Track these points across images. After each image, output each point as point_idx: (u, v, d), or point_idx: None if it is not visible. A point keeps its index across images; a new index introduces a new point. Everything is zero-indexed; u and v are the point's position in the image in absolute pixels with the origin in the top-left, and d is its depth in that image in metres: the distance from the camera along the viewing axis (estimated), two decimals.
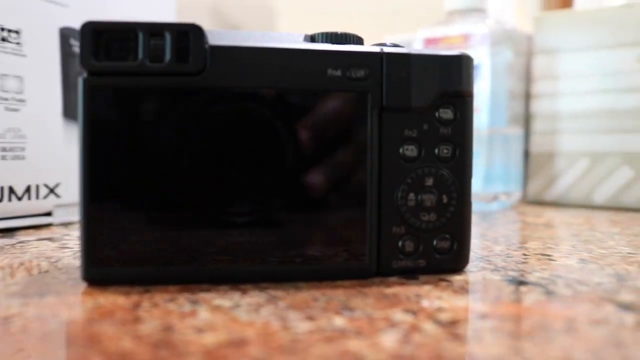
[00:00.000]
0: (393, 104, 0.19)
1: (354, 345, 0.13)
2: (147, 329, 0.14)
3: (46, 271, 0.20)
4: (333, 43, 0.19)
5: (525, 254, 0.24)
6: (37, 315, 0.15)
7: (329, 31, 0.20)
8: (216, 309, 0.16)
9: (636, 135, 0.42)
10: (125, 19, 0.18)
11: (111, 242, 0.18)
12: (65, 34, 0.33)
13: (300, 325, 0.14)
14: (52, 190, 0.32)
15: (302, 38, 0.20)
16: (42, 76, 0.32)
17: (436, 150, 0.20)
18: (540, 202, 0.46)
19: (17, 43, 0.30)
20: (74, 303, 0.16)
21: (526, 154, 0.47)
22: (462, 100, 0.20)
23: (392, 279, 0.19)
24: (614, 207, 0.43)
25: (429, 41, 0.43)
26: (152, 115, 0.18)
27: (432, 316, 0.15)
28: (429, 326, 0.15)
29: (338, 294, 0.17)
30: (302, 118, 0.19)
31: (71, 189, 0.33)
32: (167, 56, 0.17)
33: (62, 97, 0.33)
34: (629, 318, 0.15)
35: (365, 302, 0.17)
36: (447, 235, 0.20)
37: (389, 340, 0.13)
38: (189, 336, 0.14)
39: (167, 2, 0.40)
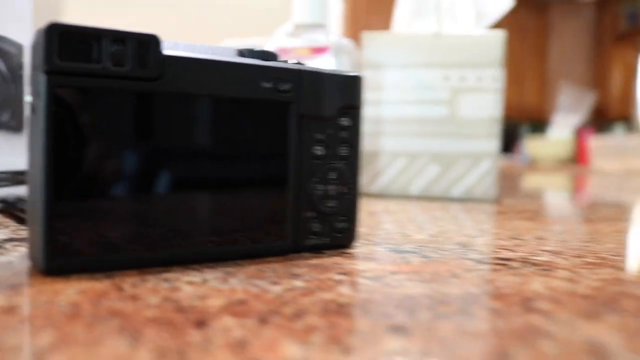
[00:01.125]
0: (309, 112, 0.24)
1: (327, 296, 0.17)
2: (155, 302, 0.16)
3: None
4: (258, 58, 0.23)
5: (388, 233, 0.31)
6: (34, 302, 0.16)
7: (256, 48, 0.24)
8: (191, 283, 0.18)
9: (441, 139, 0.52)
10: None
11: (70, 233, 0.19)
12: None
13: (274, 288, 0.18)
14: None
15: (234, 52, 0.23)
16: None
17: (338, 150, 0.25)
18: (367, 194, 0.55)
19: None
20: (56, 290, 0.17)
21: None
22: (356, 111, 0.25)
23: (306, 254, 0.24)
24: (426, 197, 0.53)
25: (280, 51, 0.48)
26: (112, 113, 0.19)
27: (360, 275, 0.20)
28: (364, 280, 0.19)
29: (276, 267, 0.21)
30: (239, 120, 0.22)
31: None
32: (129, 62, 0.19)
33: None
34: (481, 266, 0.22)
35: (303, 270, 0.21)
36: (344, 218, 0.25)
37: (346, 291, 0.18)
38: (197, 302, 0.16)
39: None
